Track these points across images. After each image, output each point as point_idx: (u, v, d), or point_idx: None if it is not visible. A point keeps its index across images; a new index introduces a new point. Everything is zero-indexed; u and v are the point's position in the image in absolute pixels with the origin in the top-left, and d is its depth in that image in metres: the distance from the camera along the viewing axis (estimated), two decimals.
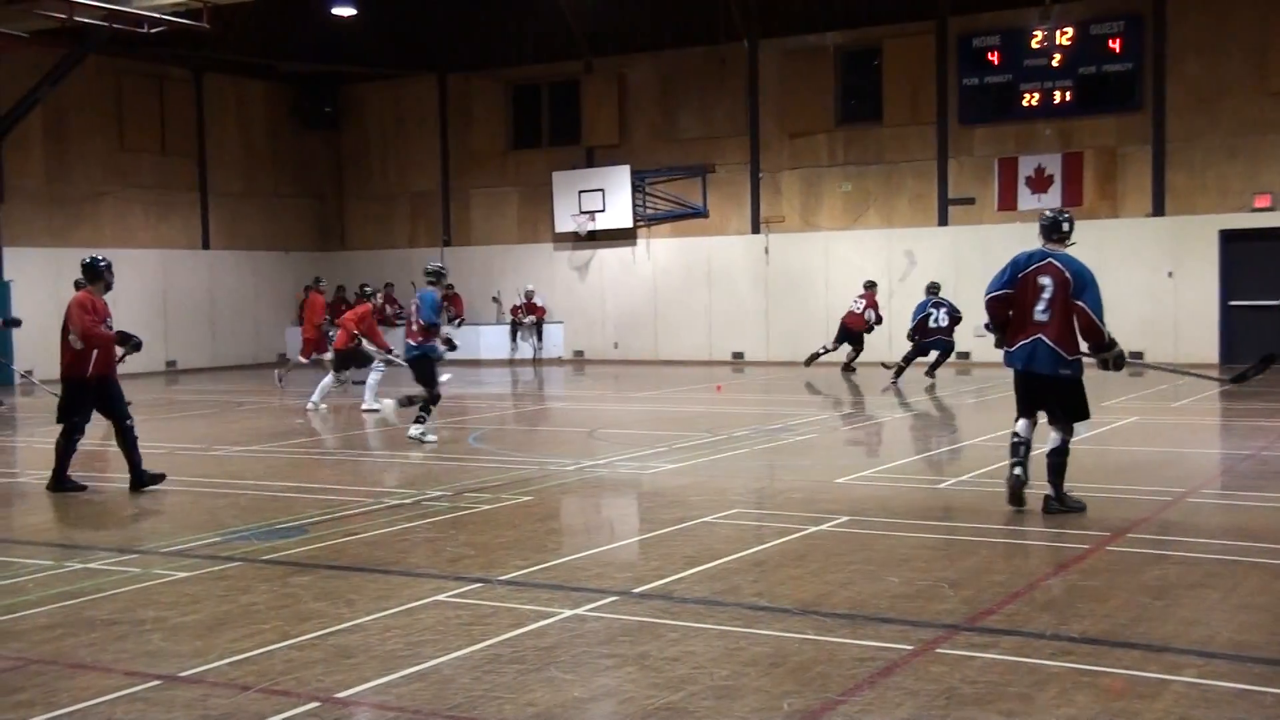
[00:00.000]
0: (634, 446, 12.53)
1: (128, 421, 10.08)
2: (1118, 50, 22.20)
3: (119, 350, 10.28)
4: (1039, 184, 22.76)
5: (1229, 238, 21.53)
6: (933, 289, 19.68)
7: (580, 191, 26.58)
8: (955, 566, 6.98)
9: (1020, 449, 8.44)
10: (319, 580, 6.88)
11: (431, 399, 13.11)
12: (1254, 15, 21.25)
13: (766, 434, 13.44)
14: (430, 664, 5.27)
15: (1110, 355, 8.39)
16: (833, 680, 4.99)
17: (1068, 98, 22.58)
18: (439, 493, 9.73)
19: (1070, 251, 8.51)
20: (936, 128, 23.89)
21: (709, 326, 25.88)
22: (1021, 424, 8.53)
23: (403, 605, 6.24)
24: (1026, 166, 22.89)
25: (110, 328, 10.13)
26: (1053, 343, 8.27)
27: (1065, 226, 8.51)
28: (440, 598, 6.40)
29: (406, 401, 13.57)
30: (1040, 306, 8.30)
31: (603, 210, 26.33)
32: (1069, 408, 8.47)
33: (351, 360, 16.95)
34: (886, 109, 24.33)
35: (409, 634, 5.73)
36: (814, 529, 8.06)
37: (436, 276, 13.28)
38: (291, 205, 29.29)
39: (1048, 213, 8.81)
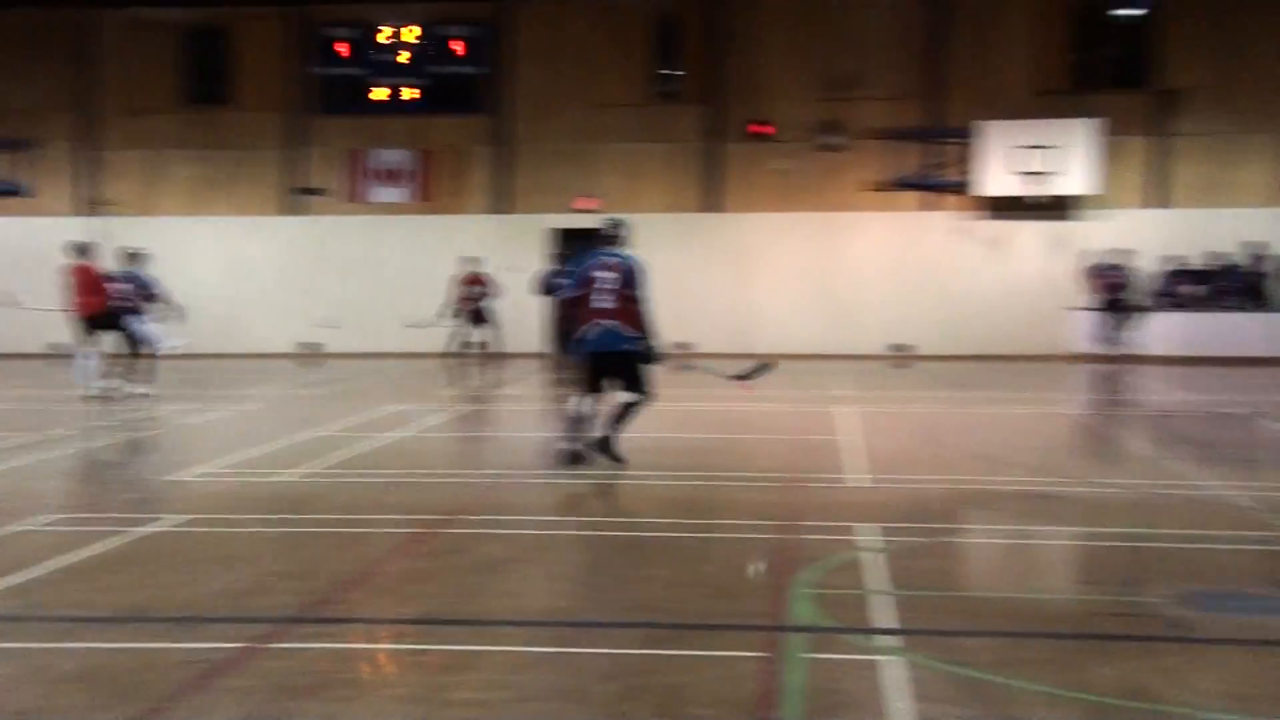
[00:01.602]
0: None
1: None
2: (464, 54, 23.27)
3: None
4: (390, 178, 23.29)
5: (561, 236, 23.35)
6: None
7: None
8: (293, 558, 6.92)
9: None
10: None
11: None
12: (584, 30, 23.24)
13: (101, 430, 12.53)
14: None
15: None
16: (154, 687, 4.72)
17: (417, 96, 23.29)
18: None
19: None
20: (288, 116, 23.63)
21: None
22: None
23: None
24: (377, 160, 23.33)
25: None
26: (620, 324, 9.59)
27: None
28: None
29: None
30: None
31: None
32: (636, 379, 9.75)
33: None
34: (236, 93, 23.70)
35: None
36: (147, 530, 7.62)
37: None
38: None
39: None
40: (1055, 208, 22.01)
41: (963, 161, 22.13)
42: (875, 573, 6.52)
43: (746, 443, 11.68)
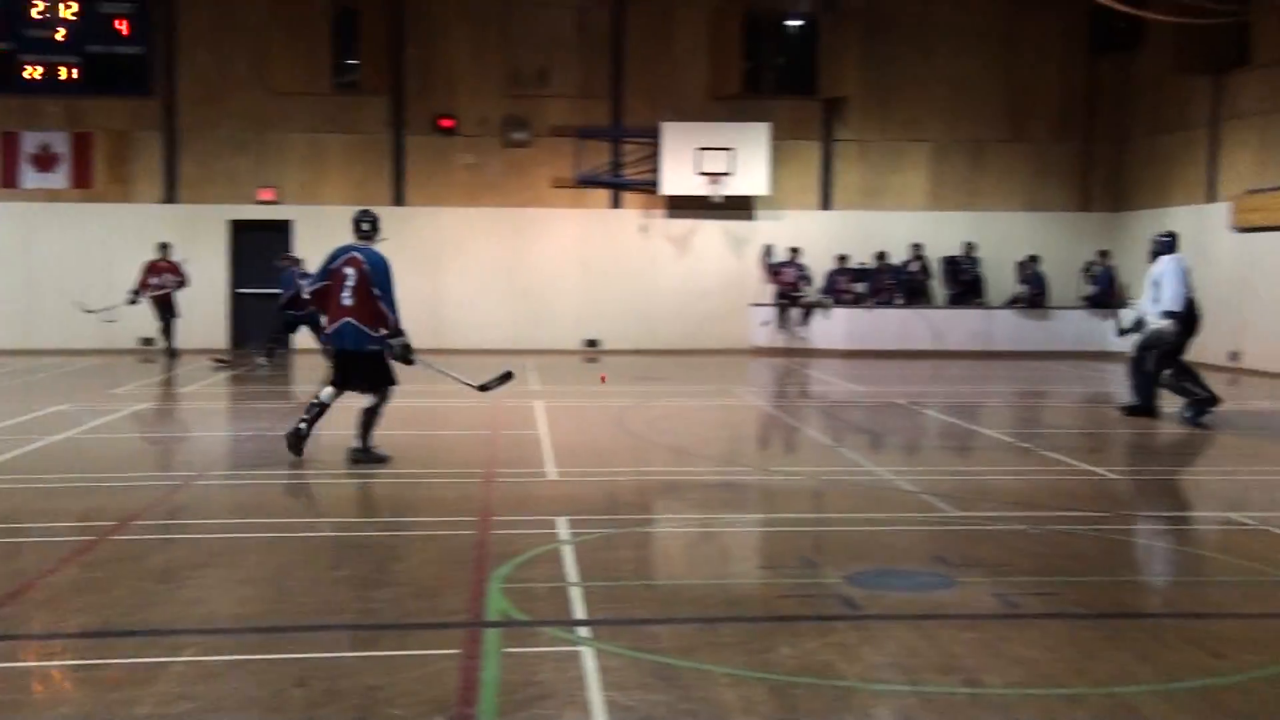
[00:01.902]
0: None
1: None
2: (126, 33, 21.93)
3: None
4: (45, 162, 21.74)
5: (237, 227, 22.45)
6: None
7: None
8: None
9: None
10: None
11: None
12: (257, 16, 22.30)
13: None
14: None
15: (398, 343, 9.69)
16: None
17: (75, 75, 21.78)
18: None
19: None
20: None
21: None
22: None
23: None
24: (31, 143, 21.72)
25: None
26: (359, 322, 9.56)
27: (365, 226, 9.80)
28: None
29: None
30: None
31: None
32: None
33: None
34: None
35: None
36: None
37: None
38: None
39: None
40: (735, 207, 22.92)
41: (648, 161, 22.71)
42: (571, 565, 6.61)
43: (445, 439, 11.58)
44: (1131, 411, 13.20)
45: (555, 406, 13.87)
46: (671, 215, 23.08)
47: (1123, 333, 13.93)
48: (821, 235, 23.13)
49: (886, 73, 23.25)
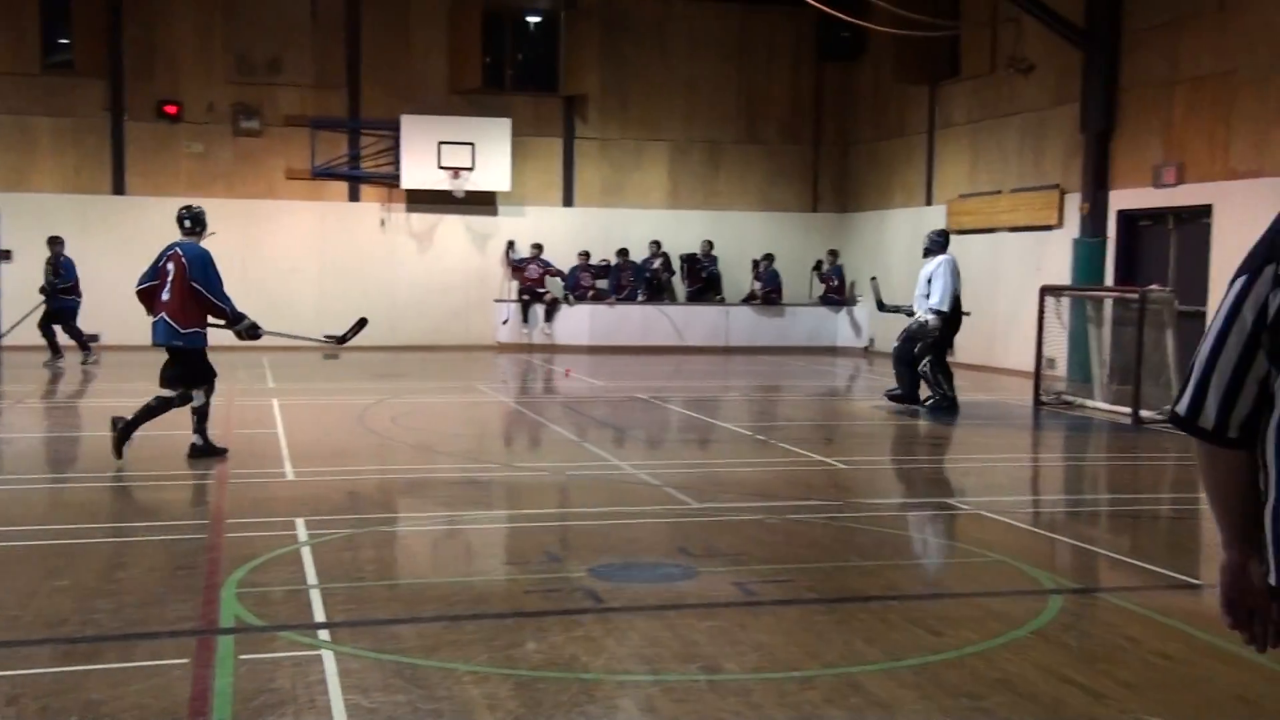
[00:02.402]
0: None
1: None
2: None
3: None
4: None
5: None
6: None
7: None
8: None
9: None
10: None
11: None
12: None
13: None
14: None
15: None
16: None
17: None
18: None
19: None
20: None
21: None
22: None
23: None
24: None
25: None
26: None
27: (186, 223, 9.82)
28: None
29: None
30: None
31: None
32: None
33: None
34: None
35: None
36: None
37: None
38: None
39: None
40: (477, 203, 22.78)
41: (388, 153, 22.31)
42: (310, 567, 6.42)
43: (176, 439, 11.02)
44: (897, 399, 13.90)
45: (293, 404, 13.46)
46: (412, 209, 22.75)
47: (881, 307, 14.77)
48: (564, 231, 23.28)
49: (626, 72, 23.60)
